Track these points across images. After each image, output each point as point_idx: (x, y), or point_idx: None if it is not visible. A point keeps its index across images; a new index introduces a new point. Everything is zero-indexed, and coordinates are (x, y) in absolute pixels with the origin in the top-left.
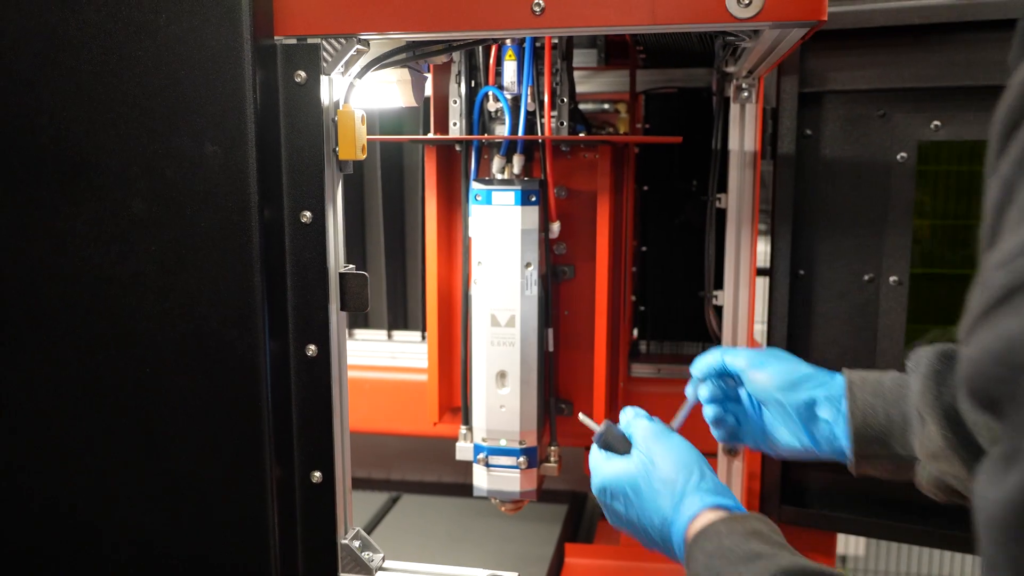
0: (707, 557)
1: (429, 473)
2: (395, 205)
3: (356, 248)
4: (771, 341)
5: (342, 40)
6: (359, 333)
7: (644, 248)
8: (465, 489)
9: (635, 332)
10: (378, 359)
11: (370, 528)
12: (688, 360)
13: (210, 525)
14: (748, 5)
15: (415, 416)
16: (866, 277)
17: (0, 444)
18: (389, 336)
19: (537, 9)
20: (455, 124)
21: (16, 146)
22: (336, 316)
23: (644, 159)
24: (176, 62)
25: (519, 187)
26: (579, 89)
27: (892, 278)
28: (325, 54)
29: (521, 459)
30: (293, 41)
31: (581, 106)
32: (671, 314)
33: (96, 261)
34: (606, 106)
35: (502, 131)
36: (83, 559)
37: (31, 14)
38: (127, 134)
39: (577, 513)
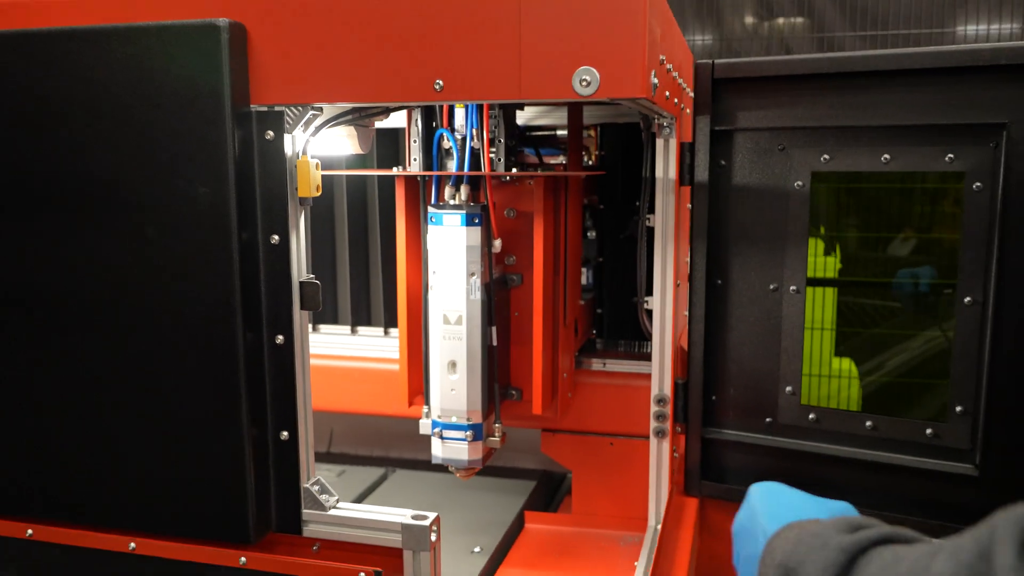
0: (791, 542)
1: (423, 453)
2: (359, 222)
3: (327, 257)
4: (691, 340)
5: (300, 108)
6: (326, 328)
7: (600, 259)
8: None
9: (594, 332)
10: (345, 350)
11: (361, 498)
12: (635, 356)
13: (201, 472)
14: (588, 85)
15: (390, 399)
16: (771, 286)
17: (45, 393)
18: (353, 331)
19: (438, 87)
20: (415, 159)
21: (62, 184)
22: (298, 314)
23: (602, 182)
24: (177, 124)
25: (464, 211)
26: (553, 120)
27: (792, 287)
28: (288, 117)
29: (468, 433)
30: (264, 108)
31: (559, 132)
32: (622, 316)
33: (117, 267)
34: (586, 133)
35: (452, 166)
36: (101, 492)
37: (74, 92)
38: (142, 177)
39: (546, 489)
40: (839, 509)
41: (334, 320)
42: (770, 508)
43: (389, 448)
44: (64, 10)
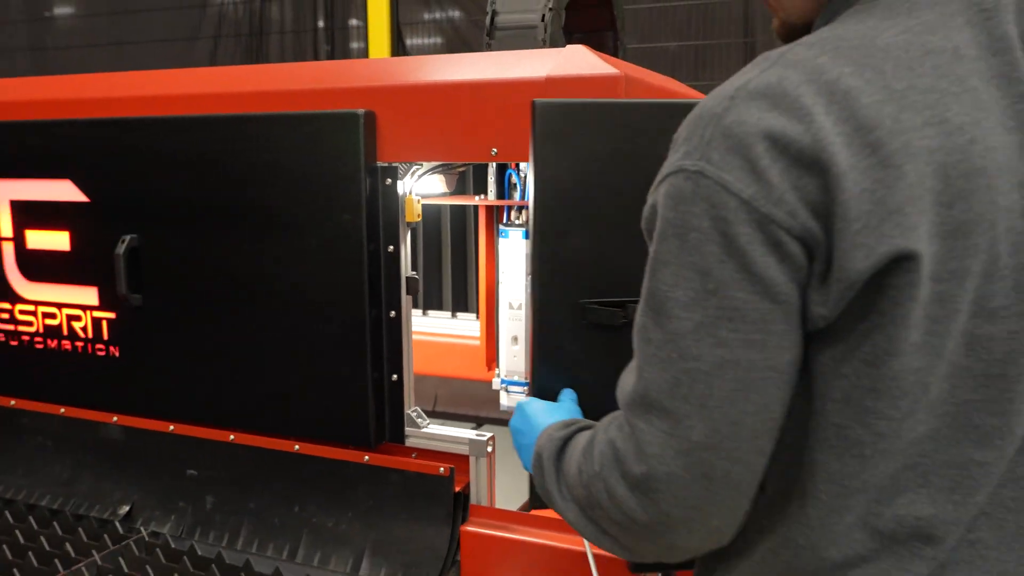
0: (541, 438)
1: (504, 413)
2: (459, 234)
3: (434, 260)
4: None
5: (407, 163)
6: (433, 313)
7: None
8: None
9: None
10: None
11: None
12: None
13: (341, 401)
14: (496, 153)
15: (474, 366)
16: None
17: (244, 348)
18: (453, 315)
19: (494, 152)
20: (491, 190)
21: (258, 213)
22: (404, 297)
23: None
24: (331, 174)
25: (524, 228)
26: None
27: None
28: (400, 170)
29: (526, 388)
30: (385, 164)
31: None
32: None
33: (292, 267)
34: None
35: (517, 195)
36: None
37: (266, 152)
38: (308, 209)
39: None
40: (566, 412)
41: (439, 307)
42: (534, 413)
43: (479, 409)
44: (255, 100)
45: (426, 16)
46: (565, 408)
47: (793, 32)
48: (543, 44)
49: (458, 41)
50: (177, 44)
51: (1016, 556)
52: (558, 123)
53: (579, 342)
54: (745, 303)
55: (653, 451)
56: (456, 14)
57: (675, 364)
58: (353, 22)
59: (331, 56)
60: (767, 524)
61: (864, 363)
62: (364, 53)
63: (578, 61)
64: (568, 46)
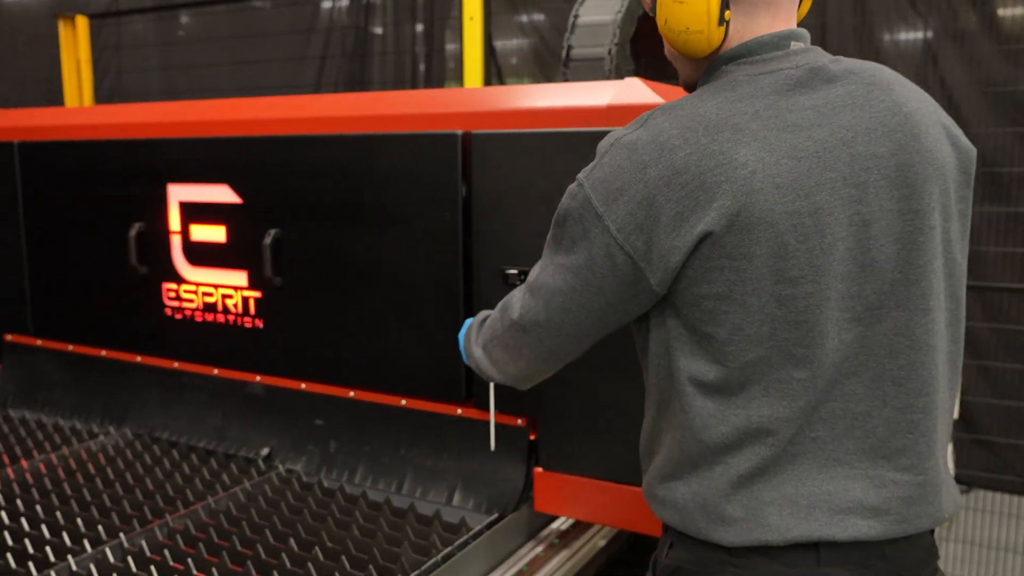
0: (468, 329)
1: None
2: None
3: None
4: None
5: None
6: None
7: None
8: None
9: None
10: None
11: None
12: None
13: (439, 361)
14: None
15: None
16: None
17: (361, 317)
18: None
19: None
20: None
21: (380, 212)
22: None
23: None
24: (434, 181)
25: None
26: None
27: None
28: None
29: None
30: None
31: None
32: None
33: (399, 256)
34: None
35: None
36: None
37: (381, 163)
38: (419, 208)
39: None
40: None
41: None
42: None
43: None
44: (373, 121)
45: (513, 19)
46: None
47: (688, 87)
48: (610, 75)
49: (541, 45)
50: (289, 63)
51: (844, 447)
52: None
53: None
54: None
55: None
56: (540, 17)
57: None
58: (449, 47)
59: (427, 75)
60: (667, 426)
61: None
62: (458, 60)
63: (632, 92)
64: (626, 79)
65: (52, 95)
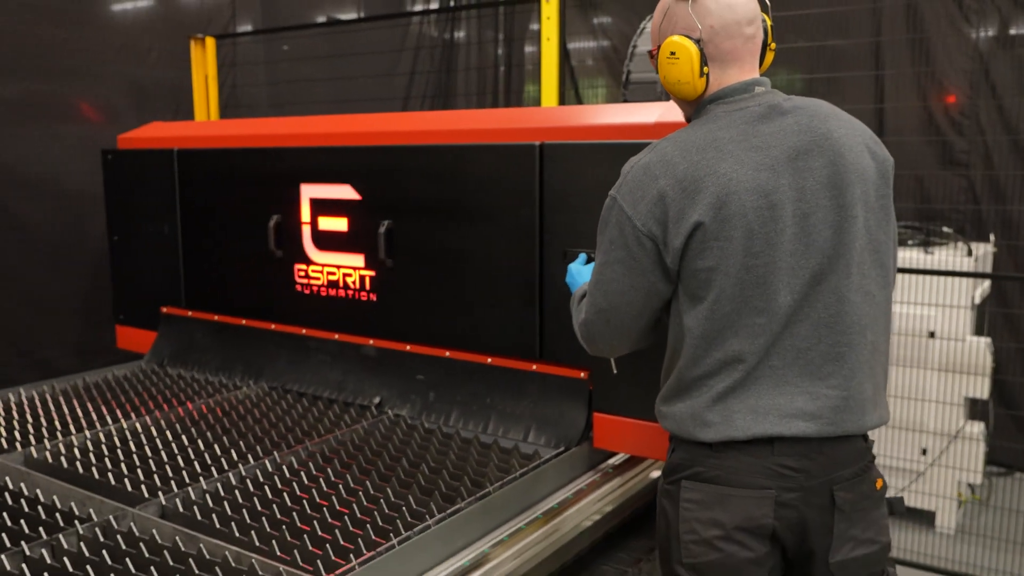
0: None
1: None
2: None
3: None
4: None
5: None
6: None
7: None
8: None
9: None
10: None
11: None
12: None
13: (520, 326)
14: None
15: None
16: None
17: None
18: None
19: None
20: None
21: (471, 209)
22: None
23: None
24: (515, 184)
25: None
26: None
27: None
28: None
29: None
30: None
31: None
32: None
33: (488, 243)
34: None
35: None
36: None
37: (470, 170)
38: (499, 205)
39: None
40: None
41: None
42: (577, 270)
43: None
44: (465, 134)
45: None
46: (584, 267)
47: (687, 120)
48: (660, 96)
49: (610, 49)
50: (380, 79)
51: (791, 372)
52: None
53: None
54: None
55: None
56: (608, 19)
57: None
58: (529, 67)
59: (507, 88)
60: (672, 365)
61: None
62: (535, 62)
63: (673, 111)
64: (669, 101)
65: (178, 107)
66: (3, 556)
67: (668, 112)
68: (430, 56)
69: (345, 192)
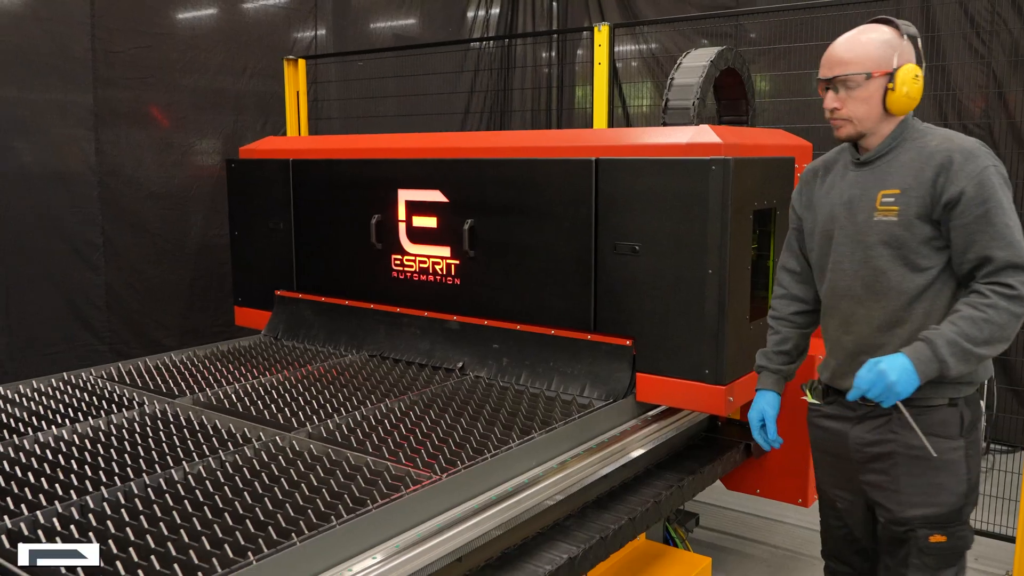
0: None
1: None
2: None
3: None
4: None
5: None
6: None
7: None
8: None
9: None
10: None
11: None
12: None
13: (578, 303)
14: None
15: None
16: None
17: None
18: None
19: None
20: None
21: (532, 207)
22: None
23: None
24: (573, 191)
25: None
26: None
27: None
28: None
29: None
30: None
31: None
32: None
33: (552, 236)
34: None
35: None
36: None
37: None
38: (561, 206)
39: None
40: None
41: None
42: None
43: None
44: (528, 151)
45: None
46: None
47: (854, 138)
48: (693, 120)
49: (651, 58)
50: (443, 97)
51: (832, 303)
52: None
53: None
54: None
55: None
56: (655, 45)
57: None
58: (578, 93)
59: (559, 105)
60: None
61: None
62: (584, 68)
63: (702, 134)
64: (699, 126)
65: (267, 119)
66: (200, 463)
67: (697, 135)
68: (488, 76)
69: (435, 196)
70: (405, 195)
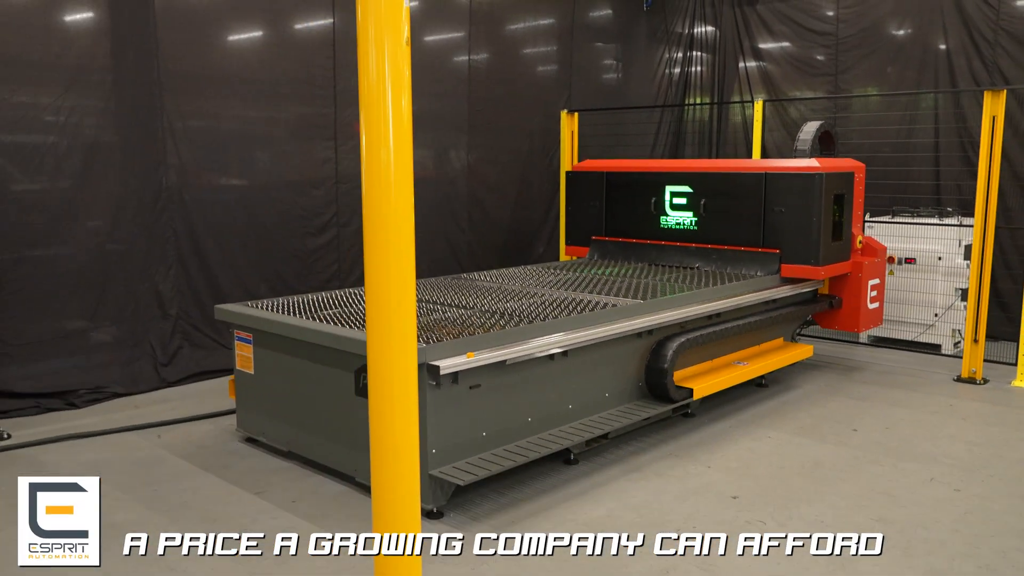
0: None
1: None
2: None
3: None
4: None
5: None
6: None
7: None
8: None
9: None
10: None
11: None
12: None
13: (754, 237)
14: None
15: None
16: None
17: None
18: None
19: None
20: None
21: (728, 194)
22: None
23: None
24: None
25: None
26: None
27: None
28: None
29: None
30: None
31: None
32: None
33: (742, 214)
34: None
35: None
36: None
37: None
38: (743, 195)
39: None
40: None
41: None
42: None
43: None
44: (730, 167)
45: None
46: None
47: None
48: (807, 155)
49: (777, 70)
50: (638, 134)
51: None
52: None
53: None
54: None
55: None
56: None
57: None
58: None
59: (718, 142)
60: None
61: None
62: (744, 81)
63: (812, 162)
64: (810, 158)
65: (553, 154)
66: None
67: (810, 163)
68: (669, 126)
69: (686, 189)
70: (670, 188)
